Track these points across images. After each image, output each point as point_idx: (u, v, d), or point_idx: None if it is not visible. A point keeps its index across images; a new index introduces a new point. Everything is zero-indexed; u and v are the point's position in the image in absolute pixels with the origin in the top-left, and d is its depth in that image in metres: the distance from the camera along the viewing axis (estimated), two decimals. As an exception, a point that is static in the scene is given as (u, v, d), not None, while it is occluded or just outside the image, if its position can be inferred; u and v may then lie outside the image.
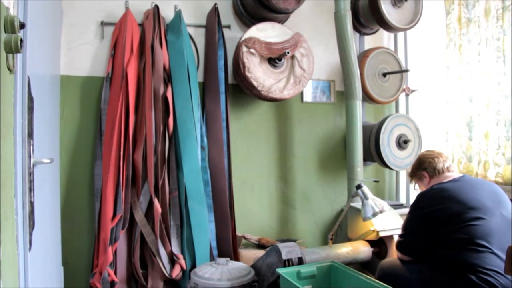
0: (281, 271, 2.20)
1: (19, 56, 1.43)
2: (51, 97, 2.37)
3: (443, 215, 1.99)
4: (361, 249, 2.68)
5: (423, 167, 2.28)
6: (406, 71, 3.46)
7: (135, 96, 2.71)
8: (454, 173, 2.23)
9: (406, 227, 2.22)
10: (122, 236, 2.61)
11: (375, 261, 2.66)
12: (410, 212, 2.19)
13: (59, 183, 2.67)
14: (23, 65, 1.49)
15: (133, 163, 2.67)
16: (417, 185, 2.42)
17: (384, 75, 3.39)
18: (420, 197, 2.16)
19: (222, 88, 2.97)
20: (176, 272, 2.63)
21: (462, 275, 1.89)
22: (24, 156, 1.49)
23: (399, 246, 2.22)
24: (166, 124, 2.74)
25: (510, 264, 1.71)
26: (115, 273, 2.57)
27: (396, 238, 2.64)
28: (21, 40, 1.25)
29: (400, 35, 3.68)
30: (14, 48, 1.23)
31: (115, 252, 2.58)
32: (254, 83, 2.87)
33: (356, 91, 3.01)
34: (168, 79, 2.81)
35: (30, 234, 1.55)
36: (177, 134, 2.77)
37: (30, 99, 1.58)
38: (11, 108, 1.37)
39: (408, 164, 3.29)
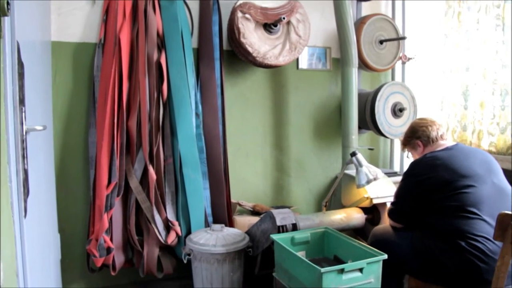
0: (275, 237, 2.23)
1: (6, 20, 1.39)
2: (43, 64, 2.33)
3: (435, 183, 2.01)
4: (355, 216, 2.71)
5: (417, 135, 2.27)
6: (403, 38, 3.42)
7: (129, 63, 2.66)
8: (447, 142, 2.23)
9: (399, 195, 2.23)
10: (117, 203, 2.63)
11: (368, 227, 2.70)
12: (403, 180, 2.21)
13: (53, 151, 2.66)
14: (12, 29, 1.45)
15: (127, 130, 2.65)
16: (410, 153, 2.42)
17: (381, 42, 3.35)
18: (413, 165, 2.17)
19: (216, 54, 2.93)
20: (172, 239, 2.66)
21: (452, 241, 1.92)
22: (16, 123, 1.47)
23: (391, 213, 2.25)
24: (160, 91, 2.71)
25: (499, 230, 1.74)
26: (111, 239, 2.60)
27: (389, 205, 2.68)
28: (8, 3, 1.21)
29: (398, 1, 3.62)
30: (1, 11, 1.19)
31: (111, 219, 2.59)
32: (249, 49, 2.83)
33: (352, 58, 2.98)
34: (161, 45, 2.76)
35: (25, 202, 1.55)
36: (171, 101, 2.74)
37: (20, 65, 1.55)
38: (0, 74, 1.34)
39: (403, 132, 3.29)
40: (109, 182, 2.58)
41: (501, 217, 1.73)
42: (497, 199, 1.97)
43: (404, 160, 3.67)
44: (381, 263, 1.95)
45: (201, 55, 2.95)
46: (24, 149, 1.54)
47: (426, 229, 2.05)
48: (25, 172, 1.57)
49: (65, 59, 2.74)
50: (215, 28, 2.93)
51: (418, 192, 2.07)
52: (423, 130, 2.24)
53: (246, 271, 2.67)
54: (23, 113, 1.54)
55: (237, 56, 3.03)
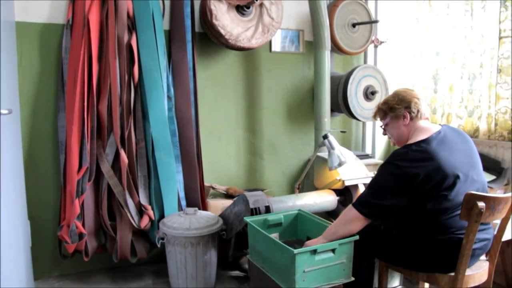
0: (248, 219, 2.24)
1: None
2: (6, 45, 2.24)
3: (420, 182, 1.82)
4: (327, 198, 2.75)
5: (406, 105, 2.00)
6: (376, 22, 3.44)
7: (98, 44, 2.60)
8: (429, 122, 2.04)
9: (377, 186, 1.93)
10: (88, 188, 2.59)
11: (340, 209, 2.74)
12: (383, 172, 1.93)
13: (20, 136, 2.58)
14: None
15: (98, 114, 2.60)
16: (385, 124, 2.11)
17: (354, 25, 3.36)
18: (397, 156, 1.90)
19: (188, 36, 2.88)
20: (145, 223, 2.64)
21: (427, 236, 1.92)
22: (-21, 107, 1.42)
23: (362, 205, 1.93)
24: (131, 74, 2.66)
25: (466, 210, 1.80)
26: (83, 225, 2.57)
27: (361, 187, 2.72)
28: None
29: (371, -16, 3.63)
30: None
31: (82, 204, 2.56)
32: (222, 31, 2.80)
33: (325, 41, 2.99)
34: (132, 27, 2.69)
35: (-9, 188, 1.51)
36: (142, 84, 2.70)
37: (-17, 46, 1.49)
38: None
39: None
40: (80, 167, 2.54)
41: (467, 198, 1.79)
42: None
43: (376, 142, 3.73)
44: (353, 244, 1.99)
45: (172, 37, 2.91)
46: (-11, 134, 1.50)
47: (398, 222, 2.01)
48: (-9, 157, 1.52)
49: (31, 40, 2.65)
50: (187, 10, 2.87)
51: (401, 187, 1.85)
52: (415, 102, 2.00)
53: (220, 254, 2.69)
54: (-13, 97, 1.49)
55: (210, 39, 2.99)
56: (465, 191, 1.84)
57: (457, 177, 1.85)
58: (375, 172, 1.99)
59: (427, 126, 2.00)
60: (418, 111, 2.00)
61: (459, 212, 1.85)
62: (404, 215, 1.95)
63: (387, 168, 1.91)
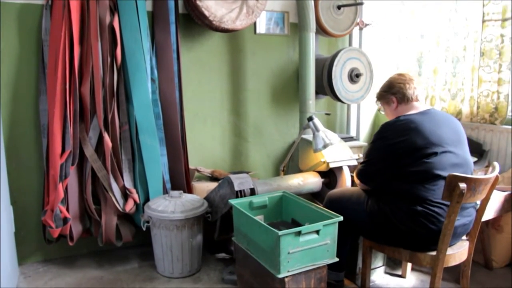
0: (233, 202, 2.25)
1: None
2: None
3: (405, 147, 1.98)
4: (312, 180, 2.77)
5: (393, 91, 2.21)
6: (361, 4, 3.42)
7: (79, 26, 2.54)
8: (421, 104, 2.19)
9: (369, 156, 2.17)
10: (72, 172, 2.56)
11: (325, 191, 2.76)
12: (374, 142, 2.15)
13: (1, 120, 2.54)
14: None
15: (80, 97, 2.56)
16: (382, 108, 2.35)
17: (339, 7, 3.34)
18: (385, 127, 2.10)
19: (172, 17, 2.84)
20: (130, 206, 2.63)
21: (409, 205, 1.97)
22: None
23: (360, 174, 2.21)
24: (113, 56, 2.62)
25: (448, 191, 1.84)
26: (67, 209, 2.55)
27: (345, 169, 2.75)
28: None
29: (356, -35, 3.60)
30: None
31: (66, 188, 2.53)
32: (206, 12, 2.77)
33: (310, 23, 2.97)
34: (114, 8, 2.64)
35: (-29, 172, 1.49)
36: (125, 66, 2.66)
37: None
38: None
39: (360, 97, 3.35)
40: (63, 150, 2.51)
41: (449, 179, 1.82)
42: (459, 169, 1.98)
43: (360, 125, 3.75)
44: (337, 225, 2.01)
45: (156, 19, 2.86)
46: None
47: (385, 193, 2.08)
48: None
49: (8, 21, 2.57)
50: (170, -10, 2.83)
51: (388, 155, 2.04)
52: (400, 87, 2.18)
53: (206, 237, 2.70)
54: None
55: (193, 20, 2.95)
56: (447, 162, 1.97)
57: (440, 146, 1.97)
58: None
59: (417, 106, 2.17)
60: (403, 95, 2.17)
61: (437, 185, 1.93)
62: (389, 181, 2.07)
63: (376, 140, 2.14)
